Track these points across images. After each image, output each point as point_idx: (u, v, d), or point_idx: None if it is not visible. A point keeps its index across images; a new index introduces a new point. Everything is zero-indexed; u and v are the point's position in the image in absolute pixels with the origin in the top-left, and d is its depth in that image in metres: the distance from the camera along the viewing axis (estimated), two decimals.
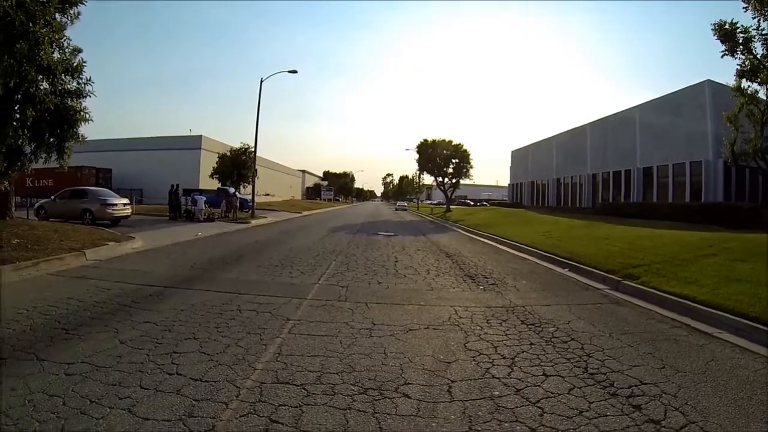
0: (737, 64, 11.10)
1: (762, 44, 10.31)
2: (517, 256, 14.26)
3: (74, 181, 32.78)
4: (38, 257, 9.62)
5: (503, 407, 3.51)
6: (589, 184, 41.34)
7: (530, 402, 3.61)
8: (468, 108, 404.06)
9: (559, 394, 3.77)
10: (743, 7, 9.99)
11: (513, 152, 65.09)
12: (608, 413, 3.46)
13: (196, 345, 4.70)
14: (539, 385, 3.95)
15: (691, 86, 29.70)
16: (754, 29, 10.29)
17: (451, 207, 52.59)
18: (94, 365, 4.07)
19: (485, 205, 71.30)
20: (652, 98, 34.19)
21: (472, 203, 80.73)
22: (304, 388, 3.72)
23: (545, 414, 3.41)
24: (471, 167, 49.80)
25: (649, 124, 33.06)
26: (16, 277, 8.36)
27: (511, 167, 65.81)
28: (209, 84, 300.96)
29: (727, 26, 10.63)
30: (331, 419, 3.22)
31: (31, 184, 35.90)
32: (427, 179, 63.74)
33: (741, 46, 10.64)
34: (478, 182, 65.63)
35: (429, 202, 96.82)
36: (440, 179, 51.81)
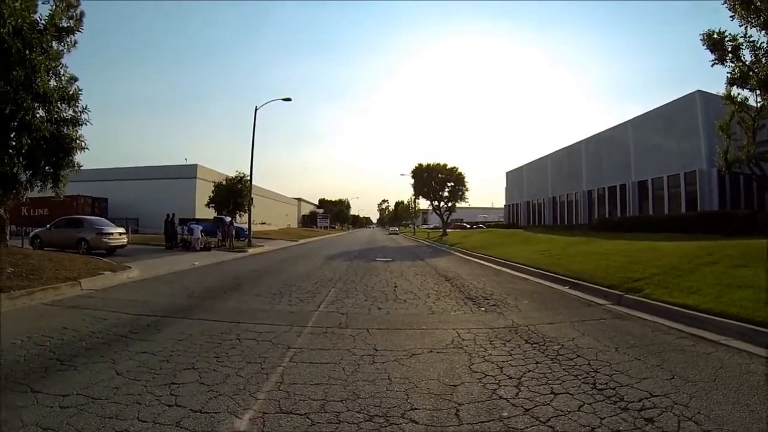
0: (727, 72, 11.23)
1: (750, 51, 10.44)
2: (516, 276, 14.25)
3: (70, 211, 32.85)
4: (33, 286, 9.58)
5: (513, 428, 3.42)
6: (585, 200, 41.40)
7: (540, 421, 3.52)
8: (461, 130, 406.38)
9: (570, 412, 3.69)
10: (730, 16, 10.19)
11: (508, 173, 65.28)
12: (621, 428, 3.40)
13: (195, 375, 4.56)
14: (548, 404, 3.86)
15: (682, 97, 29.93)
16: (741, 37, 10.44)
17: (448, 230, 52.50)
18: (90, 397, 3.95)
19: (481, 227, 71.21)
20: (645, 111, 34.46)
21: (468, 226, 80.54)
22: (308, 418, 3.59)
23: None
24: (466, 190, 49.96)
25: (643, 138, 33.30)
26: (11, 306, 8.29)
27: (506, 188, 65.95)
28: (203, 108, 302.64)
29: (715, 35, 10.79)
30: None
31: (26, 213, 35.92)
32: (423, 204, 63.77)
33: (730, 54, 10.77)
34: (473, 205, 65.71)
35: (425, 226, 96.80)
36: (436, 203, 51.87)
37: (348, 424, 3.49)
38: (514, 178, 62.43)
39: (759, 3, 9.58)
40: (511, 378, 4.55)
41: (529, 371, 4.77)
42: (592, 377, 4.54)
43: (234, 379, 4.49)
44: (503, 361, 5.12)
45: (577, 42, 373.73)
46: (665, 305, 7.88)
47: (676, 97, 30.63)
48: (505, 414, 3.68)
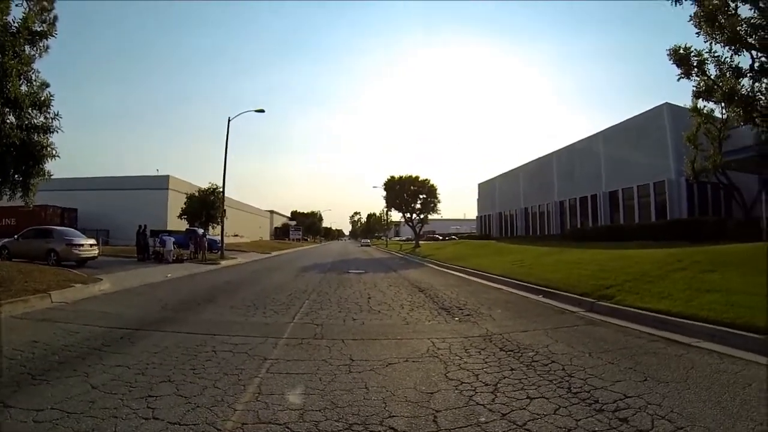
0: (693, 86, 11.62)
1: (715, 66, 10.79)
2: (489, 286, 14.42)
3: (38, 221, 32.23)
4: (1, 299, 9.36)
5: None
6: (557, 211, 42.02)
7: (517, 425, 3.61)
8: (435, 143, 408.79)
9: (546, 415, 3.79)
10: (696, 32, 10.56)
11: (480, 184, 65.81)
12: (596, 429, 3.52)
13: (171, 388, 4.51)
14: (525, 408, 3.95)
15: (650, 109, 30.65)
16: (706, 52, 10.77)
17: (420, 242, 52.76)
18: (65, 411, 3.87)
19: (454, 238, 71.47)
20: (615, 123, 35.36)
21: (440, 238, 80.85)
22: (287, 427, 3.60)
23: None
24: (438, 202, 50.52)
25: (613, 149, 33.98)
26: None
27: (478, 199, 66.42)
28: (176, 118, 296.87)
29: (681, 51, 11.15)
30: None
31: None
32: (395, 216, 64.14)
33: (696, 69, 11.14)
34: (445, 216, 65.93)
35: (398, 238, 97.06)
36: (408, 215, 52.20)
37: None
38: (487, 189, 62.97)
39: (723, 20, 9.93)
40: (487, 384, 4.63)
41: (504, 378, 4.86)
42: (567, 381, 4.66)
43: (211, 390, 4.45)
44: (479, 369, 5.20)
45: (557, 52, 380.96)
46: (637, 310, 8.12)
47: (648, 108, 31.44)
48: (483, 419, 3.74)
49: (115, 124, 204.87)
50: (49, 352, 5.90)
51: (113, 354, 5.84)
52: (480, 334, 7.19)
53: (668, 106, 28.55)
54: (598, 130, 37.45)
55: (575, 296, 10.21)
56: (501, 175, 58.40)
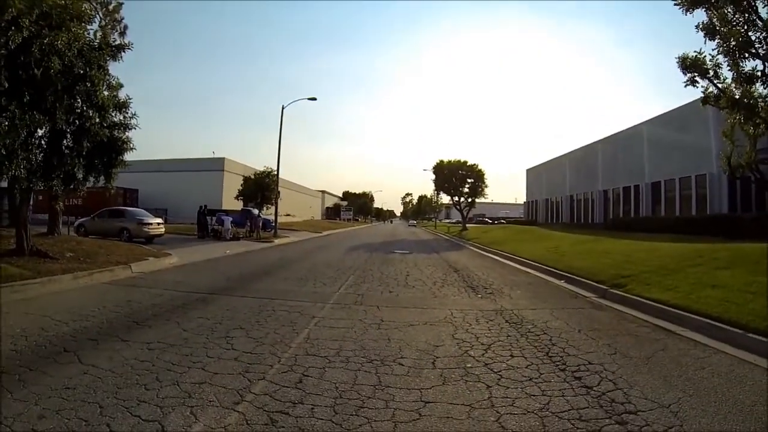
0: (701, 92, 11.71)
1: (731, 70, 10.83)
2: (519, 269, 15.32)
3: (103, 201, 33.27)
4: (91, 268, 11.14)
5: (471, 373, 4.71)
6: (601, 200, 41.92)
7: (493, 371, 4.78)
8: (487, 125, 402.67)
9: (518, 368, 4.90)
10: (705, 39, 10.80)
11: (528, 170, 65.66)
12: (552, 380, 4.53)
13: (243, 333, 6.07)
14: (504, 362, 5.10)
15: (694, 101, 29.53)
16: (719, 57, 10.91)
17: (468, 225, 53.24)
18: (168, 344, 5.43)
19: (503, 223, 71.57)
20: (659, 114, 34.82)
21: (490, 221, 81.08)
22: (327, 359, 5.03)
23: (502, 378, 4.57)
24: (486, 186, 50.96)
25: (656, 140, 33.59)
26: (75, 284, 9.90)
27: (526, 185, 66.44)
28: (229, 101, 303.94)
29: (689, 59, 11.34)
30: (345, 375, 4.52)
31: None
32: (445, 199, 64.96)
33: (703, 75, 11.19)
34: (496, 200, 66.08)
35: (447, 221, 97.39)
36: (456, 199, 53.03)
37: (354, 363, 4.93)
38: (534, 175, 62.70)
39: (725, 30, 10.30)
40: (483, 344, 5.83)
41: (499, 341, 6.02)
42: (548, 348, 5.70)
43: (272, 335, 6.01)
44: (481, 333, 6.42)
45: (607, 33, 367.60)
46: (640, 299, 8.73)
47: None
48: (469, 365, 4.98)
49: (168, 111, 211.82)
50: (143, 308, 7.57)
51: (194, 310, 7.49)
52: (494, 309, 8.29)
53: None
54: (643, 120, 37.01)
55: (593, 283, 10.86)
56: (548, 162, 58.17)
